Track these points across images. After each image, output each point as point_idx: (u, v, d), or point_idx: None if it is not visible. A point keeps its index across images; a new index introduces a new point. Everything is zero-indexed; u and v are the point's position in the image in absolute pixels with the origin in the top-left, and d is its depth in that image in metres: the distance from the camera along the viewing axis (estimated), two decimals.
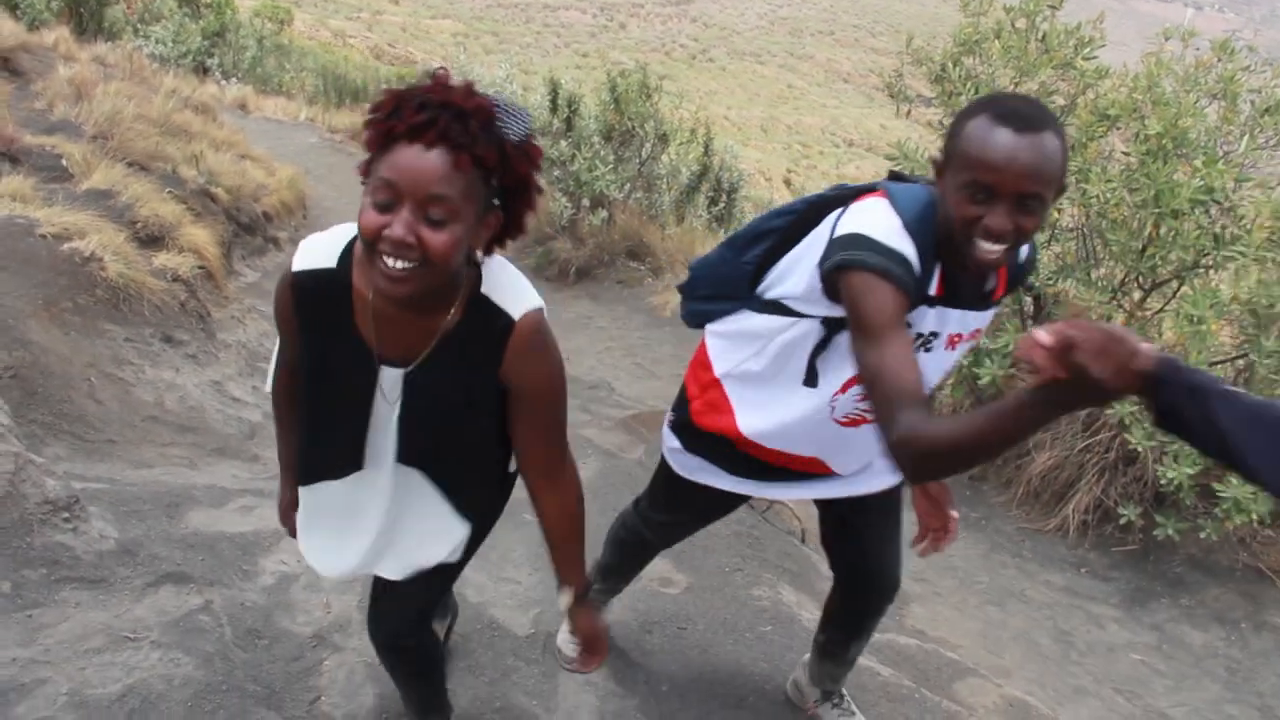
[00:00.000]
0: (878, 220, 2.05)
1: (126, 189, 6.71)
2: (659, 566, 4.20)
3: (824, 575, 4.80)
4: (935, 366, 2.28)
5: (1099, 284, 6.04)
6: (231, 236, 8.09)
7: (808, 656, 3.22)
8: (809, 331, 2.29)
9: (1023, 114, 1.92)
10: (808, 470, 2.61)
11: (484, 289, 1.94)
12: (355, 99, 17.55)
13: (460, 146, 1.69)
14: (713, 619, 3.85)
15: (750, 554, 4.47)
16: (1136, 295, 6.19)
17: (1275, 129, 5.85)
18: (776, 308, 2.35)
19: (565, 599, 2.30)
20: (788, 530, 5.11)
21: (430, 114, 1.69)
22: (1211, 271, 5.84)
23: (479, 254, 1.91)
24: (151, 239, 6.37)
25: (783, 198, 17.06)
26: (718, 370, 2.55)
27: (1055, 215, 6.02)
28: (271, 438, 4.97)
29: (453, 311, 1.93)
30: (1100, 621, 5.14)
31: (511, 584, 3.91)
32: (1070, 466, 5.85)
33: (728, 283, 2.51)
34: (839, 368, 2.29)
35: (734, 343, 2.50)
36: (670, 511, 2.99)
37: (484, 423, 2.14)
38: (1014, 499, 6.10)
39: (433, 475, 2.22)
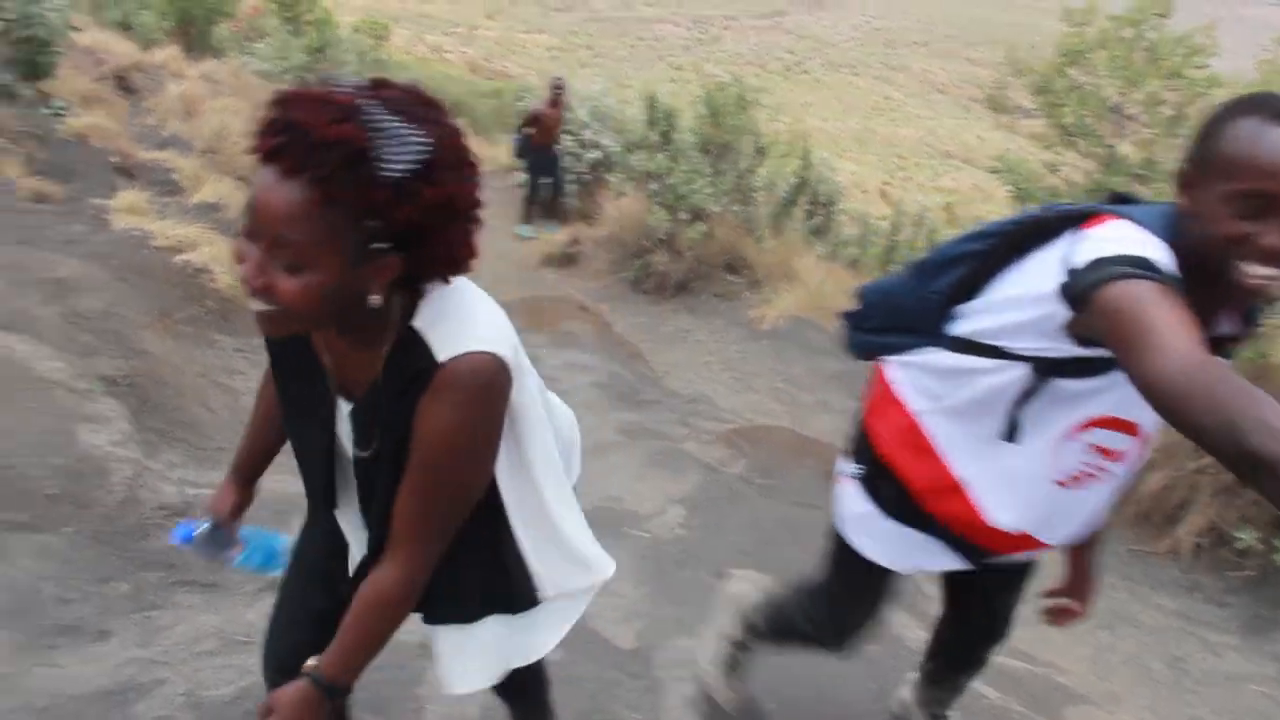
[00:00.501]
0: (1135, 241, 1.71)
1: (235, 201, 6.88)
2: (762, 582, 4.17)
3: (928, 595, 4.72)
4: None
5: None
6: None
7: (914, 675, 3.16)
8: (1014, 377, 1.96)
9: None
10: (1003, 548, 2.20)
11: (417, 322, 1.57)
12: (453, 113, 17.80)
13: (316, 181, 1.33)
14: None
15: None
16: None
17: None
18: (974, 346, 2.03)
19: (309, 664, 1.72)
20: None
21: (282, 137, 1.35)
22: None
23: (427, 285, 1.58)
24: None
25: (879, 210, 16.89)
26: (913, 406, 2.17)
27: None
28: None
29: (388, 345, 1.58)
30: (1217, 650, 4.96)
31: (615, 597, 3.91)
32: (1183, 487, 5.67)
33: (909, 314, 2.18)
34: (1049, 419, 1.96)
35: (928, 376, 2.15)
36: (853, 603, 2.57)
37: None
38: (1124, 520, 5.93)
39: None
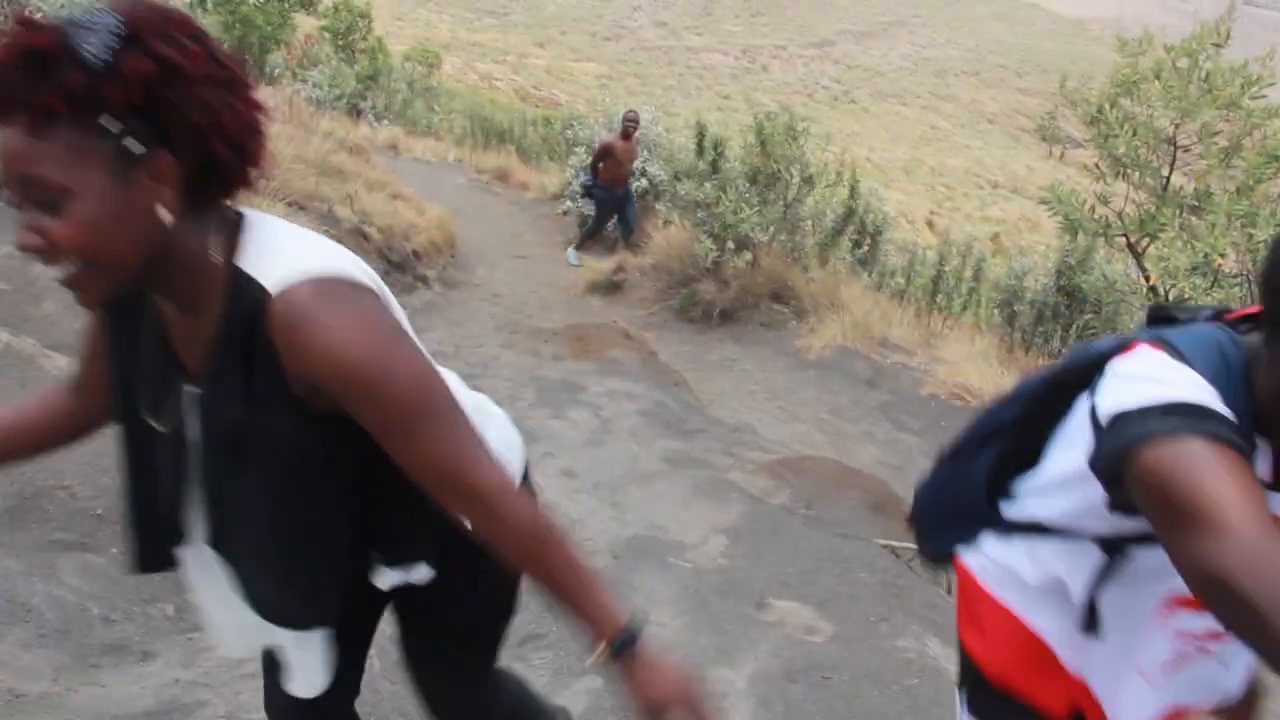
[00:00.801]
0: (1164, 374, 1.36)
1: None
2: (802, 613, 4.14)
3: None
4: None
5: None
6: (383, 275, 8.29)
7: None
8: (1083, 559, 1.62)
9: None
10: None
11: (240, 259, 1.38)
12: (501, 140, 17.98)
13: (19, 105, 1.22)
14: (858, 670, 3.77)
15: (896, 604, 4.36)
16: None
17: None
18: (1034, 529, 1.71)
19: (595, 653, 1.48)
20: (933, 580, 4.99)
21: None
22: None
23: (225, 212, 1.41)
24: None
25: (926, 240, 16.82)
26: (1005, 597, 1.77)
27: (1218, 261, 5.78)
28: None
29: (218, 301, 1.39)
30: None
31: (656, 626, 3.90)
32: None
33: (962, 504, 1.87)
34: (1131, 602, 1.61)
35: (1003, 565, 1.78)
36: None
37: (325, 483, 1.50)
38: None
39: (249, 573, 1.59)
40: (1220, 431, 1.26)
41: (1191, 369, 1.37)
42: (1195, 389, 1.32)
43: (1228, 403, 1.32)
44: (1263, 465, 1.41)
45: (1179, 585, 1.40)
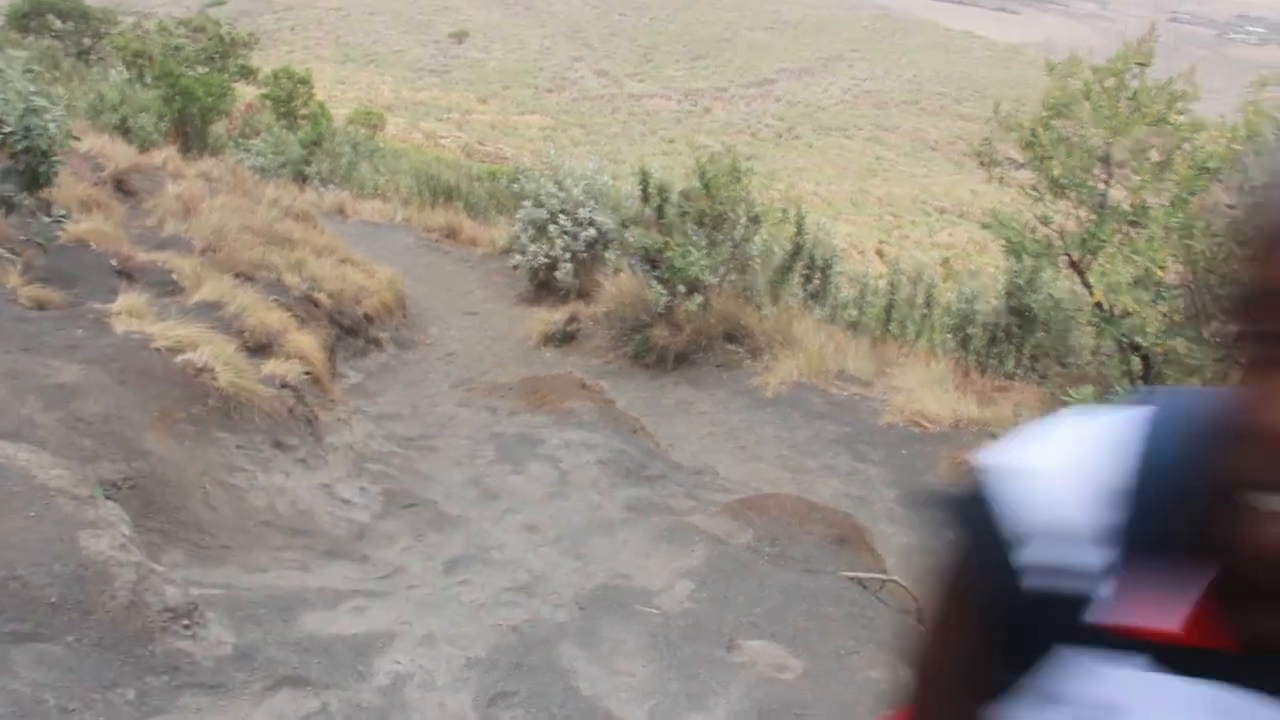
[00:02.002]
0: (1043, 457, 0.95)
1: (234, 299, 6.94)
2: (772, 651, 4.13)
3: None
4: None
5: (1211, 340, 5.86)
6: (335, 340, 8.29)
7: None
8: None
9: None
10: None
11: None
12: (449, 198, 17.98)
13: None
14: (831, 704, 3.76)
15: (865, 635, 4.37)
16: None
17: None
18: None
19: None
20: (902, 609, 4.99)
21: None
22: None
23: None
24: (259, 347, 6.56)
25: (876, 270, 16.97)
26: None
27: (1159, 273, 5.88)
28: (382, 537, 5.03)
29: None
30: None
31: (626, 676, 3.87)
32: None
33: None
34: None
35: None
36: None
37: None
38: None
39: None
40: (984, 566, 0.94)
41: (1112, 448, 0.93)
42: (1061, 487, 0.93)
43: (1162, 496, 0.90)
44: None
45: None
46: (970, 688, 0.96)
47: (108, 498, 4.13)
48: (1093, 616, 0.88)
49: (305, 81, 23.33)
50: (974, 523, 0.93)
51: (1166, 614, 0.86)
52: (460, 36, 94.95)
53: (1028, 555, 0.90)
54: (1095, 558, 0.88)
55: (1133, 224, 6.51)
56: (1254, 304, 0.81)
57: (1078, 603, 0.88)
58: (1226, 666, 0.84)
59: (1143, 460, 0.89)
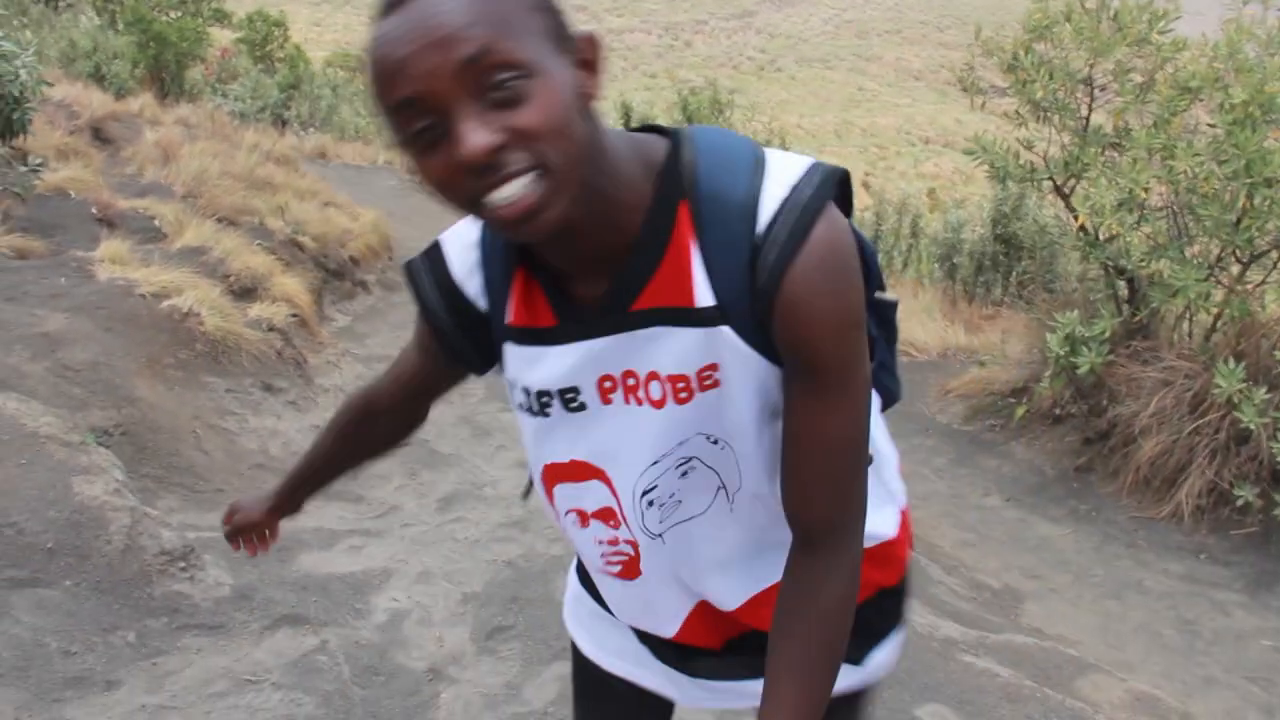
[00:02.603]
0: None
1: (218, 244, 6.90)
2: None
3: (934, 579, 4.74)
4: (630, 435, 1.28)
5: (1194, 261, 5.89)
6: (321, 283, 8.27)
7: None
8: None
9: None
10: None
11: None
12: None
13: None
14: None
15: None
16: (1235, 269, 6.02)
17: None
18: None
19: None
20: None
21: None
22: None
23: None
24: (245, 291, 6.54)
25: (863, 202, 16.93)
26: None
27: (1143, 194, 5.88)
28: (376, 477, 5.05)
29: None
30: (1225, 608, 4.98)
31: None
32: (1180, 450, 5.69)
33: None
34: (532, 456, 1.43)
35: None
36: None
37: None
38: (1123, 488, 5.95)
39: None
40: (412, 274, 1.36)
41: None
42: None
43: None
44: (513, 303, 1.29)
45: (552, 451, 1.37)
46: (428, 352, 1.46)
47: (99, 444, 4.14)
48: (503, 318, 1.28)
49: (280, 24, 23.02)
50: (422, 277, 1.33)
51: (511, 311, 1.27)
52: None
53: (457, 287, 1.31)
54: (480, 282, 1.30)
55: (1115, 146, 6.50)
56: (388, 123, 1.07)
57: (498, 310, 1.29)
58: (550, 334, 1.24)
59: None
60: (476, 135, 0.99)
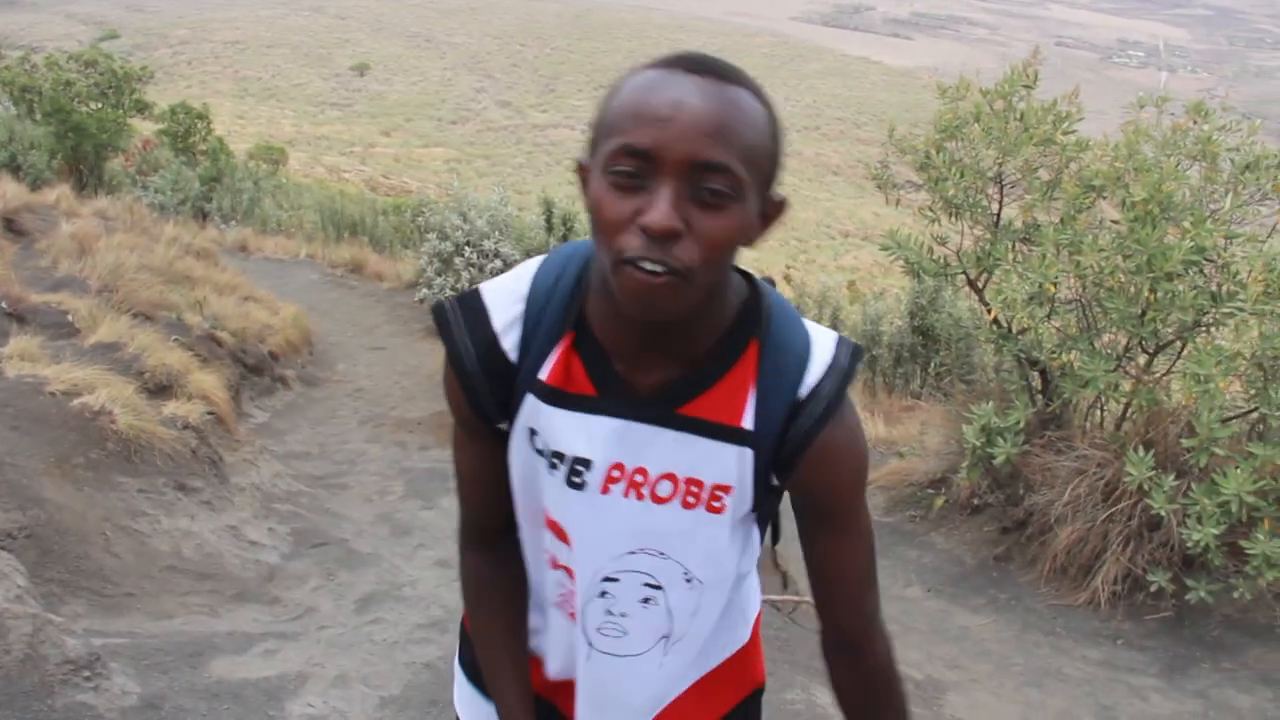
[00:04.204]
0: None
1: (133, 340, 6.79)
2: None
3: None
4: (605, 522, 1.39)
5: (1103, 353, 6.05)
6: (239, 379, 8.15)
7: None
8: None
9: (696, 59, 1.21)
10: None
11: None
12: (354, 232, 17.80)
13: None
14: None
15: (780, 657, 4.41)
16: (1142, 360, 6.20)
17: (1258, 184, 5.92)
18: None
19: None
20: (816, 630, 5.05)
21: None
22: (1213, 329, 5.86)
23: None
24: (160, 388, 6.43)
25: (785, 293, 17.18)
26: None
27: (1052, 288, 6.05)
28: (292, 577, 4.95)
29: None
30: (1142, 693, 5.04)
31: None
32: (1094, 537, 5.79)
33: None
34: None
35: None
36: None
37: None
38: (1041, 576, 6.02)
39: None
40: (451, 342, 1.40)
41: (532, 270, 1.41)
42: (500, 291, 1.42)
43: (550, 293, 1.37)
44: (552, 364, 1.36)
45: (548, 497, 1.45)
46: (474, 434, 1.44)
47: (2, 548, 4.01)
48: (535, 373, 1.33)
49: (203, 116, 22.95)
50: (454, 320, 1.37)
51: (548, 369, 1.33)
52: (361, 69, 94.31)
53: (494, 337, 1.36)
54: (517, 336, 1.35)
55: (1025, 241, 6.69)
56: (602, 143, 1.18)
57: (531, 365, 1.34)
58: (588, 403, 1.31)
59: (534, 276, 1.37)
60: (670, 214, 1.12)
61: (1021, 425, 6.20)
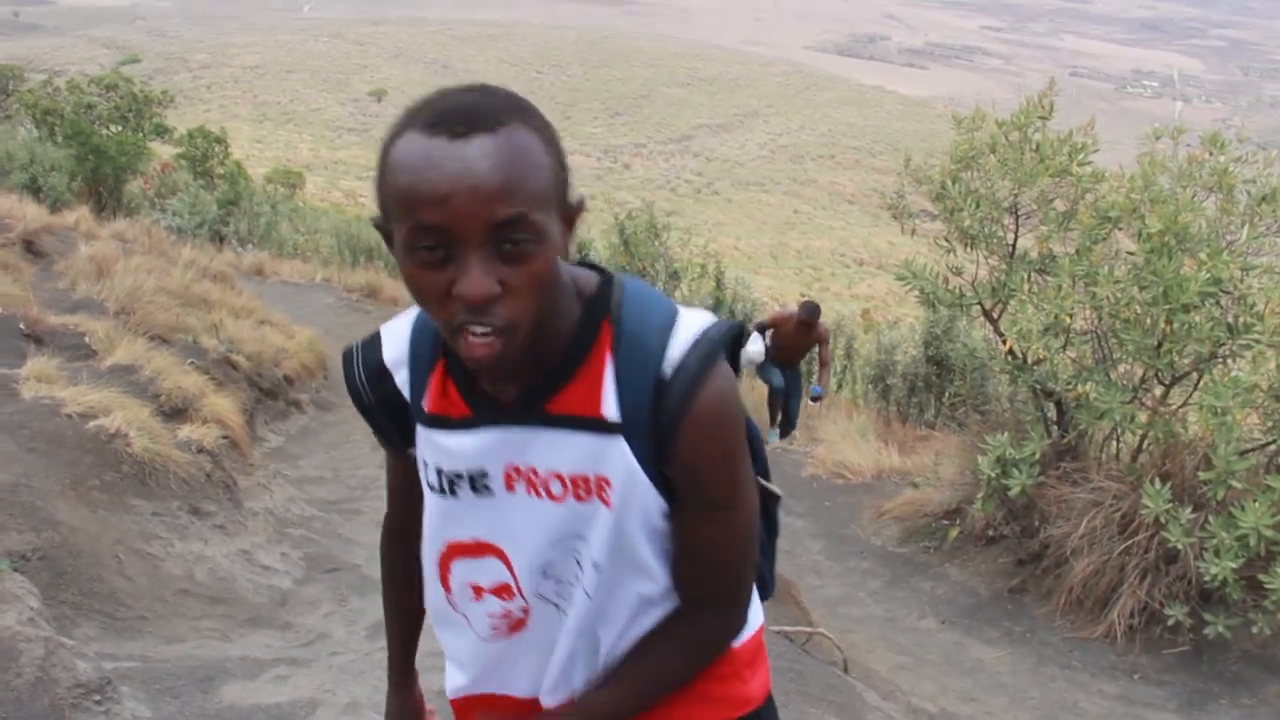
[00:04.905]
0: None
1: (149, 363, 6.81)
2: None
3: (870, 705, 4.69)
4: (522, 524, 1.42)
5: (1119, 384, 6.03)
6: (254, 403, 8.17)
7: None
8: None
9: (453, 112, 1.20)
10: None
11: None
12: (369, 257, 17.88)
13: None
14: None
15: (793, 689, 4.37)
16: (1158, 391, 6.17)
17: (1274, 216, 5.90)
18: None
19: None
20: (829, 661, 5.02)
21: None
22: (1229, 361, 5.84)
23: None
24: (175, 411, 6.44)
25: None
26: None
27: (1068, 320, 6.04)
28: (304, 603, 4.94)
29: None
30: None
31: None
32: (1111, 570, 5.75)
33: None
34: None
35: None
36: None
37: None
38: (1057, 608, 5.98)
39: None
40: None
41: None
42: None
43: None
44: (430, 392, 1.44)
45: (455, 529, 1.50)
46: (390, 452, 1.58)
47: (16, 570, 4.01)
48: (420, 404, 1.42)
49: (221, 140, 23.16)
50: (354, 362, 1.49)
51: (428, 398, 1.42)
52: (379, 95, 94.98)
53: (388, 374, 1.47)
54: (406, 373, 1.45)
55: (1041, 272, 6.68)
56: (399, 227, 1.20)
57: (417, 397, 1.43)
58: (467, 422, 1.38)
59: (417, 313, 1.45)
60: (482, 282, 1.15)
61: (1037, 456, 6.17)
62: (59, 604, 4.17)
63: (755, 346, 9.39)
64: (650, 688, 1.46)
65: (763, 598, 1.65)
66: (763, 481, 1.56)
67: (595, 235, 10.91)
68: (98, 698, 3.41)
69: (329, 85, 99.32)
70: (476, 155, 1.14)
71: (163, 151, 22.52)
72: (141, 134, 20.47)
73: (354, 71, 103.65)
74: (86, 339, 7.13)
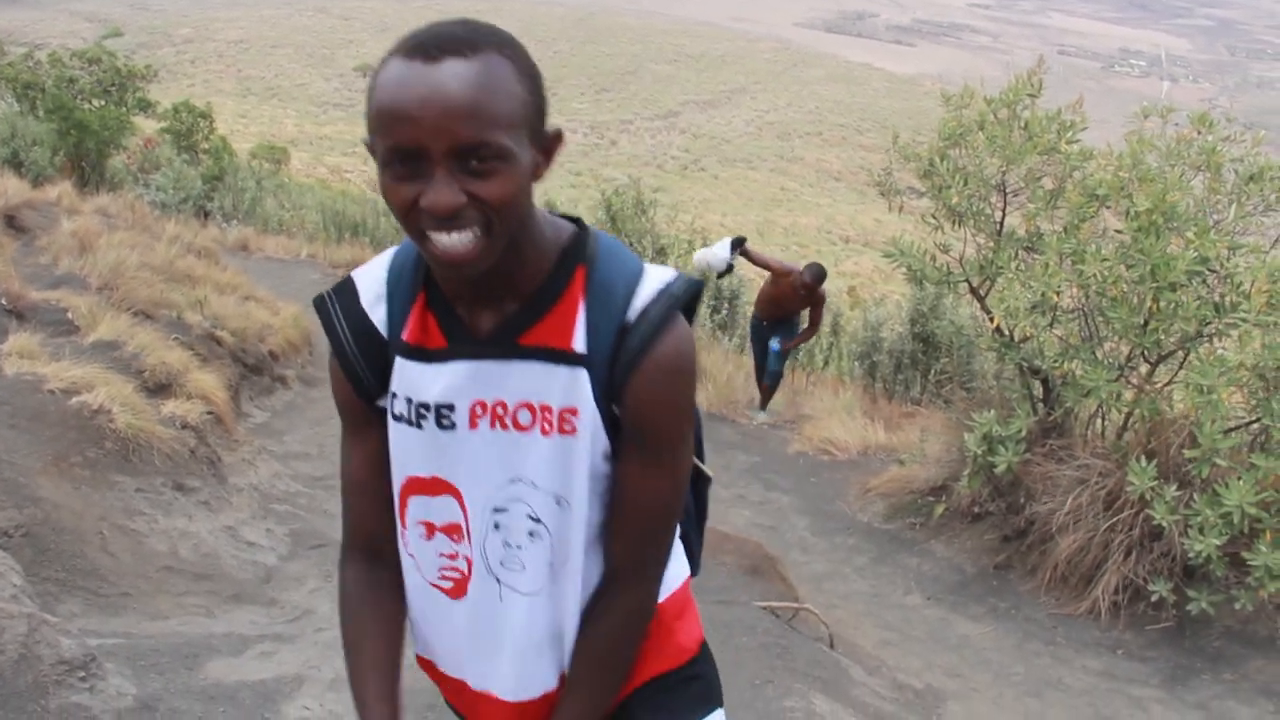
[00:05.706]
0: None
1: (132, 339, 6.76)
2: None
3: (855, 680, 4.71)
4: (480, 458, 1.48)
5: (1105, 362, 6.04)
6: (239, 379, 8.12)
7: None
8: None
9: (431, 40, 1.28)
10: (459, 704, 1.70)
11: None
12: (355, 233, 17.78)
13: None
14: None
15: (779, 664, 4.38)
16: (1144, 370, 6.19)
17: (1261, 195, 5.91)
18: None
19: None
20: (815, 637, 5.03)
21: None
22: (1215, 340, 5.85)
23: None
24: (159, 387, 6.40)
25: None
26: None
27: (1055, 297, 6.04)
28: (289, 579, 4.93)
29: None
30: (1143, 704, 5.02)
31: None
32: (1095, 547, 5.78)
33: None
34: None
35: None
36: None
37: None
38: (1042, 585, 6.01)
39: None
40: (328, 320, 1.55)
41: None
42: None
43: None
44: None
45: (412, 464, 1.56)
46: (358, 424, 1.56)
47: None
48: (399, 335, 1.47)
49: (206, 115, 22.92)
50: (331, 305, 1.52)
51: (408, 328, 1.47)
52: (364, 70, 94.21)
53: (363, 313, 1.50)
54: (384, 311, 1.49)
55: (1028, 250, 6.68)
56: (375, 142, 1.29)
57: (395, 330, 1.48)
58: (442, 354, 1.45)
59: (395, 252, 1.54)
60: (447, 193, 1.24)
61: (1023, 434, 6.18)
62: (42, 581, 4.15)
63: (721, 253, 9.27)
64: (613, 678, 1.55)
65: (693, 573, 1.75)
66: (697, 461, 1.66)
67: (582, 211, 10.84)
68: (82, 674, 3.40)
69: (314, 60, 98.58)
70: (446, 77, 1.23)
71: (146, 126, 22.30)
72: (124, 108, 20.23)
73: (339, 46, 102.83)
74: (69, 315, 7.07)
